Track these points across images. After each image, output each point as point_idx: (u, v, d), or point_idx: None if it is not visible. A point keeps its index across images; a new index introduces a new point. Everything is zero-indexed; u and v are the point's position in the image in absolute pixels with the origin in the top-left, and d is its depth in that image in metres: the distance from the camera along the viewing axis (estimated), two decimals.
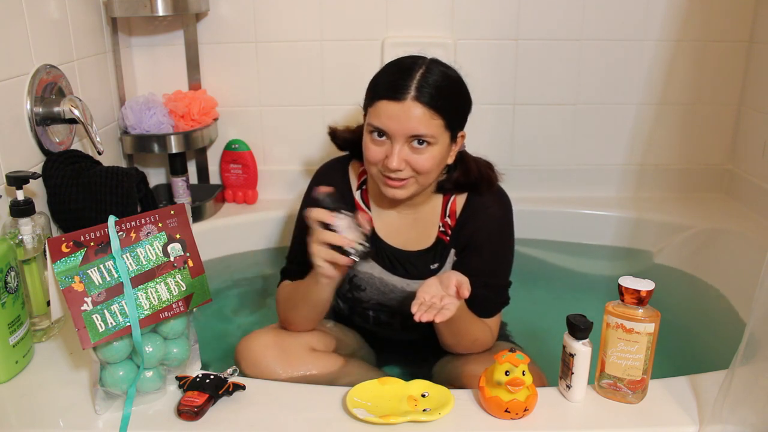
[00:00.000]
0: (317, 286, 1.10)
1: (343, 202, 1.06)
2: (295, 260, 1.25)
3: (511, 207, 1.24)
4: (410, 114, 1.07)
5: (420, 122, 1.07)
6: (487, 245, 1.20)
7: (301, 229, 1.26)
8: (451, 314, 0.99)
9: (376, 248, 1.24)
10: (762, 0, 1.77)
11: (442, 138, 1.11)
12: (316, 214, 1.03)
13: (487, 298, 1.18)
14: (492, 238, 1.21)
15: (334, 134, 1.30)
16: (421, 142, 1.09)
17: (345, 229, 1.02)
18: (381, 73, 1.15)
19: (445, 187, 1.22)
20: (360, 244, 1.02)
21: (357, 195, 1.26)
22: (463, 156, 1.22)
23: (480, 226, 1.20)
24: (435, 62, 1.13)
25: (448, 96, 1.10)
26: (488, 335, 1.19)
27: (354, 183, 1.27)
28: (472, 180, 1.21)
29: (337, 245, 1.02)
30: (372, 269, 1.24)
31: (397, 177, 1.11)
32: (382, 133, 1.10)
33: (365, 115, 1.15)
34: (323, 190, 1.06)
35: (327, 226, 1.02)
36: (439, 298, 1.01)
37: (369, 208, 1.25)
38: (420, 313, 0.98)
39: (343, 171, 1.28)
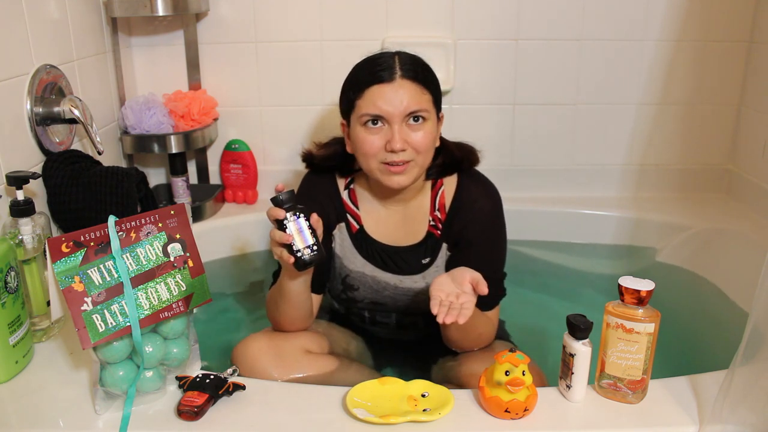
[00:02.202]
0: (286, 277, 1.11)
1: (300, 203, 1.04)
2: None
3: (499, 197, 1.24)
4: (403, 92, 1.10)
5: (413, 98, 1.11)
6: (480, 241, 1.21)
7: None
8: (471, 313, 0.99)
9: (368, 247, 1.24)
10: (762, 0, 1.77)
11: (432, 114, 1.14)
12: (273, 213, 1.02)
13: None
14: (484, 234, 1.21)
15: (311, 158, 1.28)
16: (416, 118, 1.12)
17: (296, 232, 1.02)
18: (358, 70, 1.17)
19: (432, 172, 1.23)
20: (308, 248, 1.02)
21: (345, 195, 1.26)
22: (442, 141, 1.24)
23: (470, 220, 1.21)
24: (401, 51, 1.17)
25: (428, 73, 1.16)
26: (491, 328, 1.20)
27: (341, 185, 1.27)
28: (456, 160, 1.23)
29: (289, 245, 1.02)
30: (363, 267, 1.24)
31: (400, 160, 1.11)
32: (376, 120, 1.11)
33: (350, 115, 1.16)
34: (281, 187, 1.05)
35: (282, 226, 1.02)
36: (456, 296, 1.01)
37: (358, 208, 1.26)
38: (442, 315, 0.97)
39: (330, 175, 1.28)
